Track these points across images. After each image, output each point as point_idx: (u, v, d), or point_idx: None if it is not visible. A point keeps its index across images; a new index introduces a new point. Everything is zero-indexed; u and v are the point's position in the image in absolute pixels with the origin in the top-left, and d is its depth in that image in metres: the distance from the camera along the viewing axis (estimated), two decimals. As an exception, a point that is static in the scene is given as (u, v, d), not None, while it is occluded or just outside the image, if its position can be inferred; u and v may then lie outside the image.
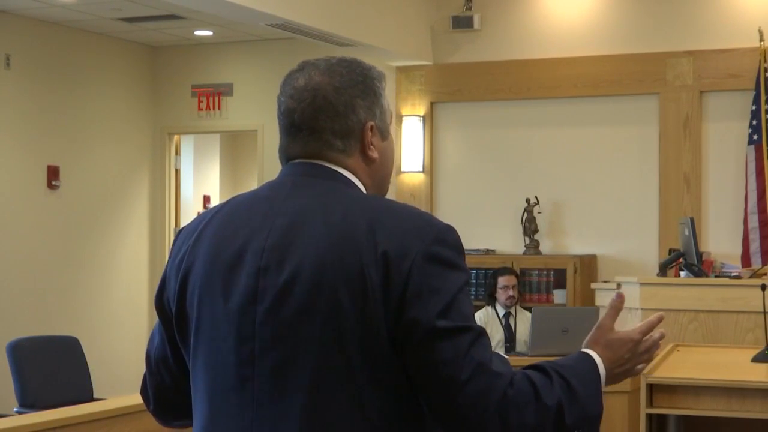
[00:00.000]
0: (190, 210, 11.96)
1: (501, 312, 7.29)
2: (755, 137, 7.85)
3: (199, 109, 9.87)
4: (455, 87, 8.88)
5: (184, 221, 10.94)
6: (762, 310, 5.08)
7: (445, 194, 8.95)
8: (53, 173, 8.88)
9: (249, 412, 1.79)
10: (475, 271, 8.17)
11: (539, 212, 8.53)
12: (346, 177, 1.89)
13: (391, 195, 8.64)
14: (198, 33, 9.39)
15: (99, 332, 9.19)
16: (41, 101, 8.83)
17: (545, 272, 8.34)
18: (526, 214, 8.54)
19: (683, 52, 8.24)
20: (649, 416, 4.56)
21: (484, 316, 7.18)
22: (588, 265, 8.36)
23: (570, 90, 8.55)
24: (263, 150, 9.58)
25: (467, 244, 7.71)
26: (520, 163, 8.73)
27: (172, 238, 9.95)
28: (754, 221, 7.81)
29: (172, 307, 1.90)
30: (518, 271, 7.89)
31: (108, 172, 9.49)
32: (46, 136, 8.86)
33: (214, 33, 9.37)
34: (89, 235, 9.27)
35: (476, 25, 8.78)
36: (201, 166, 12.20)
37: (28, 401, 6.13)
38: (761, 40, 7.91)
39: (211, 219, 1.91)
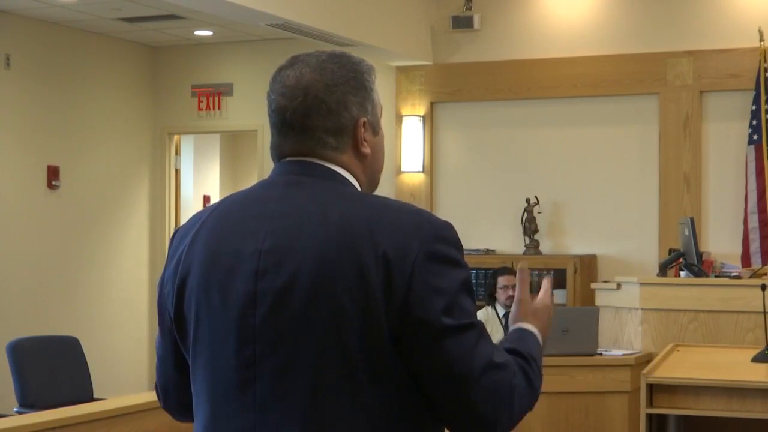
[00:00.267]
0: (190, 210, 11.96)
1: (501, 312, 7.28)
2: (755, 137, 7.85)
3: (199, 109, 9.87)
4: (455, 87, 8.88)
5: (184, 221, 10.94)
6: (762, 310, 5.08)
7: (445, 194, 8.95)
8: (53, 173, 8.88)
9: (251, 415, 1.79)
10: (475, 271, 8.17)
11: (539, 212, 8.52)
12: (340, 174, 1.88)
13: (391, 195, 8.66)
14: (198, 33, 9.40)
15: (99, 332, 9.19)
16: (41, 101, 8.83)
17: (545, 272, 8.34)
18: (526, 214, 8.54)
19: (683, 52, 8.24)
20: (649, 416, 4.56)
21: (484, 316, 7.18)
22: (588, 265, 8.36)
23: (570, 90, 8.55)
24: (263, 150, 9.58)
25: (467, 244, 7.72)
26: (520, 163, 8.73)
27: (172, 238, 9.95)
28: (754, 221, 7.81)
29: (171, 309, 1.90)
30: (518, 271, 7.87)
31: (108, 172, 9.49)
32: (46, 136, 8.86)
33: (214, 33, 9.37)
34: (89, 235, 9.27)
35: (476, 25, 8.78)
36: (201, 166, 12.20)
37: (28, 401, 6.13)
38: (761, 40, 7.90)
39: (206, 220, 1.90)
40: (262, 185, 1.92)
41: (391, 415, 1.77)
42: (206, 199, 12.42)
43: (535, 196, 8.52)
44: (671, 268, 6.87)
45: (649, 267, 7.94)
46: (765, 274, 6.43)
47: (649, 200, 8.36)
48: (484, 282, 7.77)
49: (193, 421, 2.03)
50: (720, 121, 8.20)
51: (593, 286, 6.89)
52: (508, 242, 8.69)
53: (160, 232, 9.95)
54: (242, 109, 9.73)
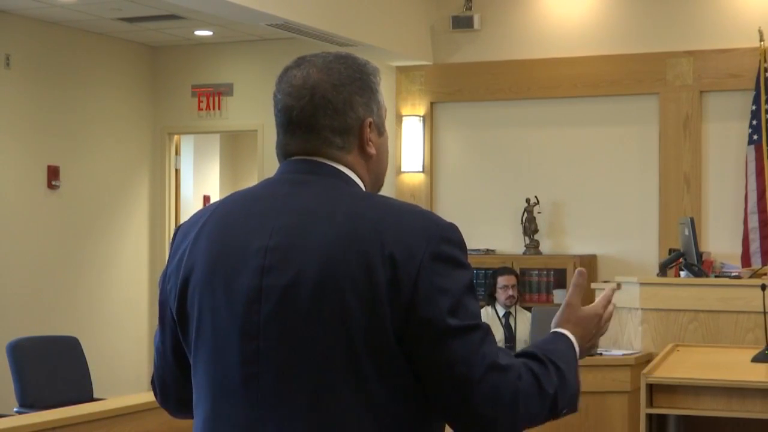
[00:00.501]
0: (190, 210, 11.96)
1: (501, 312, 7.29)
2: (755, 137, 7.85)
3: (199, 109, 9.87)
4: (455, 87, 8.88)
5: (185, 220, 10.95)
6: (762, 310, 5.08)
7: (445, 194, 8.95)
8: (53, 173, 8.88)
9: (253, 411, 1.79)
10: (475, 271, 8.14)
11: (539, 212, 8.53)
12: (346, 174, 1.89)
13: (391, 195, 8.64)
14: (198, 33, 9.40)
15: (99, 332, 9.19)
16: (41, 101, 8.83)
17: (545, 272, 8.34)
18: (526, 214, 8.54)
19: (683, 52, 8.24)
20: (649, 416, 4.56)
21: (484, 316, 7.18)
22: (588, 265, 8.36)
23: (570, 90, 8.55)
24: (263, 150, 9.58)
25: (467, 244, 7.70)
26: (520, 163, 8.73)
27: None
28: (754, 221, 7.81)
29: (173, 305, 1.90)
30: (518, 271, 7.89)
31: (108, 172, 9.49)
32: (46, 136, 8.86)
33: (214, 33, 9.37)
34: (89, 235, 9.27)
35: (476, 25, 8.78)
36: (201, 166, 12.20)
37: (28, 401, 6.13)
38: (761, 40, 7.91)
39: (210, 217, 1.90)
40: (267, 183, 1.93)
41: (395, 413, 1.78)
42: (206, 199, 12.42)
43: (535, 196, 8.52)
44: (671, 268, 6.87)
45: (649, 267, 7.94)
46: (765, 274, 6.43)
47: (649, 200, 8.36)
48: (484, 282, 7.78)
49: (189, 417, 2.03)
50: (720, 121, 8.20)
51: (593, 286, 6.89)
52: (508, 242, 8.70)
53: (160, 232, 9.95)
54: (242, 109, 9.73)
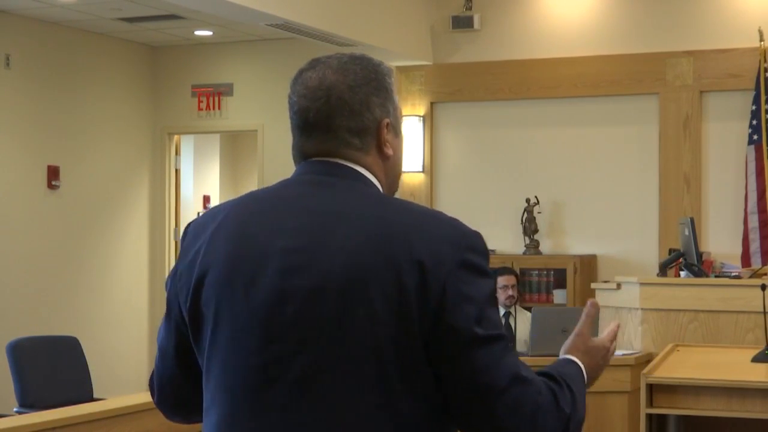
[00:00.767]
0: (190, 210, 11.96)
1: (501, 312, 7.29)
2: (755, 137, 7.85)
3: (199, 109, 9.87)
4: (455, 87, 8.88)
5: (184, 221, 10.94)
6: (762, 310, 5.08)
7: (445, 194, 8.94)
8: (53, 173, 8.88)
9: (273, 414, 1.77)
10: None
11: (539, 212, 8.53)
12: (365, 176, 1.87)
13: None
14: (198, 33, 9.40)
15: (99, 332, 9.19)
16: (41, 101, 8.83)
17: (545, 272, 8.34)
18: (526, 214, 8.54)
19: (683, 52, 8.24)
20: (649, 416, 4.56)
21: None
22: (588, 265, 8.36)
23: (570, 90, 8.55)
24: (263, 150, 9.58)
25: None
26: (520, 163, 8.73)
27: (172, 237, 9.95)
28: (754, 221, 7.81)
29: (185, 304, 1.87)
30: (518, 271, 7.89)
31: (108, 172, 9.49)
32: (46, 136, 8.86)
33: (214, 33, 9.37)
34: (89, 235, 9.27)
35: (476, 25, 8.78)
36: (201, 166, 12.20)
37: (28, 401, 6.13)
38: (761, 40, 7.90)
39: (227, 216, 1.87)
40: (286, 184, 1.90)
41: (419, 420, 1.76)
42: (206, 199, 12.42)
43: (535, 196, 8.52)
44: (671, 268, 6.87)
45: (649, 267, 7.94)
46: (765, 274, 6.43)
47: (649, 200, 8.36)
48: (484, 282, 7.76)
49: (185, 420, 2.02)
50: (720, 121, 8.20)
51: (593, 286, 6.89)
52: (508, 242, 8.69)
53: (160, 232, 9.95)
54: (242, 109, 9.73)
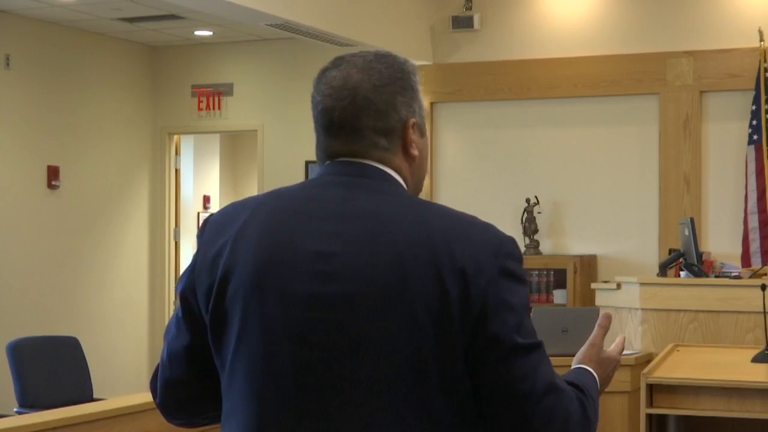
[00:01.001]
0: (190, 210, 11.97)
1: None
2: (755, 137, 7.85)
3: (199, 109, 9.87)
4: (455, 87, 8.88)
5: (184, 221, 10.94)
6: (762, 310, 5.08)
7: (445, 194, 8.94)
8: (53, 173, 8.88)
9: (305, 423, 1.73)
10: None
11: (539, 212, 8.53)
12: (393, 178, 1.83)
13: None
14: (198, 33, 9.40)
15: (99, 332, 9.19)
16: (41, 101, 8.83)
17: (545, 272, 8.33)
18: (526, 214, 8.54)
19: (683, 52, 8.24)
20: (649, 416, 4.56)
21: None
22: (588, 265, 8.36)
23: (570, 90, 8.55)
24: (263, 150, 9.58)
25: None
26: (520, 163, 8.73)
27: (172, 237, 9.95)
28: (754, 221, 7.80)
29: (204, 302, 1.81)
30: (518, 271, 7.87)
31: (108, 172, 9.49)
32: (46, 136, 8.86)
33: (214, 33, 9.37)
34: (89, 235, 9.28)
35: (476, 25, 8.78)
36: (201, 166, 12.20)
37: (28, 401, 6.13)
38: (761, 40, 7.90)
39: (254, 215, 1.81)
40: (315, 184, 1.85)
41: (455, 429, 1.74)
42: (206, 199, 12.42)
43: (535, 196, 8.52)
44: (671, 268, 6.87)
45: (649, 267, 7.94)
46: (765, 274, 6.43)
47: (649, 200, 8.36)
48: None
49: (186, 424, 1.97)
50: (720, 121, 8.20)
51: (593, 286, 6.89)
52: (508, 242, 8.68)
53: (160, 232, 9.95)
54: (242, 109, 9.73)
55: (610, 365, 1.99)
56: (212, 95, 9.81)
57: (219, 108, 9.81)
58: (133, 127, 9.79)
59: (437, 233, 1.74)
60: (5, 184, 8.48)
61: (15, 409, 6.13)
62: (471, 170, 8.90)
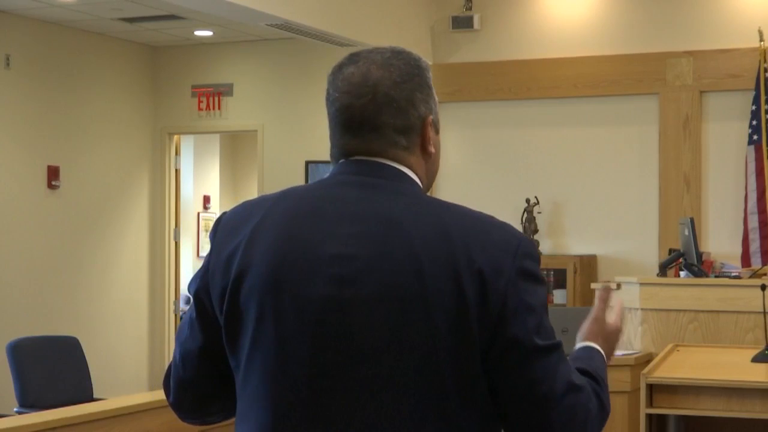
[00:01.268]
0: (190, 210, 11.97)
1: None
2: (755, 137, 7.85)
3: (199, 109, 9.87)
4: (455, 87, 8.88)
5: (184, 221, 10.95)
6: (762, 310, 5.08)
7: (445, 194, 8.94)
8: (53, 173, 8.88)
9: (321, 427, 1.71)
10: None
11: (539, 212, 8.53)
12: (410, 177, 1.81)
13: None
14: (198, 33, 9.40)
15: (99, 332, 9.19)
16: (41, 101, 8.83)
17: (545, 272, 8.33)
18: (526, 214, 8.54)
19: (683, 52, 8.24)
20: (649, 416, 4.56)
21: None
22: (588, 265, 8.36)
23: (570, 90, 8.55)
24: (263, 150, 9.58)
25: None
26: (520, 163, 8.73)
27: (172, 237, 9.95)
28: (754, 221, 7.81)
29: (218, 302, 1.79)
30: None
31: (108, 172, 9.49)
32: (46, 136, 8.86)
33: (214, 33, 9.37)
34: (89, 235, 9.28)
35: (476, 25, 8.78)
36: (201, 166, 12.21)
37: (28, 401, 6.13)
38: (761, 40, 7.91)
39: (269, 214, 1.78)
40: (330, 184, 1.82)
41: (473, 431, 1.73)
42: (206, 199, 12.43)
43: (535, 196, 8.52)
44: (671, 268, 6.88)
45: (649, 267, 7.94)
46: (765, 274, 6.43)
47: (649, 200, 8.36)
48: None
49: (201, 422, 1.95)
50: (720, 121, 8.20)
51: (593, 286, 6.90)
52: (508, 242, 8.68)
53: (159, 232, 9.95)
54: (242, 109, 9.73)
55: (615, 339, 1.97)
56: (212, 95, 9.81)
57: (219, 108, 9.81)
58: (133, 127, 9.79)
59: (454, 234, 1.72)
60: (5, 184, 8.48)
61: (15, 409, 6.13)
62: (471, 170, 8.90)
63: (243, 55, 9.73)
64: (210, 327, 1.82)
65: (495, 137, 8.83)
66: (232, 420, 1.88)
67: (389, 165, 1.81)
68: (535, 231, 8.52)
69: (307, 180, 9.27)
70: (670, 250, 7.19)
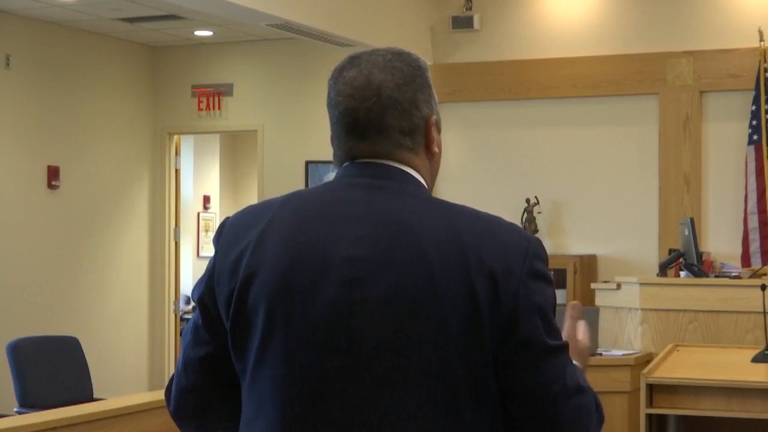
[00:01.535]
0: (190, 210, 11.98)
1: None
2: (755, 137, 7.85)
3: (199, 109, 9.87)
4: (455, 87, 8.88)
5: (184, 221, 10.95)
6: (762, 310, 5.08)
7: (445, 194, 8.93)
8: (53, 173, 8.88)
9: (332, 428, 1.70)
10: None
11: (539, 212, 8.53)
12: (416, 178, 1.81)
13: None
14: (198, 33, 9.40)
15: (99, 332, 9.19)
16: (41, 101, 8.83)
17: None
18: (526, 214, 8.54)
19: (683, 52, 8.24)
20: (649, 416, 4.57)
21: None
22: (588, 265, 8.36)
23: (570, 90, 8.55)
24: (263, 150, 9.58)
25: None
26: (520, 163, 8.73)
27: (172, 238, 9.95)
28: (754, 221, 7.81)
29: (225, 307, 1.77)
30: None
31: (108, 172, 9.49)
32: (46, 136, 8.86)
33: (214, 33, 9.37)
34: (89, 235, 9.28)
35: (476, 25, 8.78)
36: (201, 166, 12.21)
37: (28, 401, 6.13)
38: (761, 40, 7.91)
39: (276, 218, 1.77)
40: (338, 186, 1.81)
41: None
42: (206, 199, 12.43)
43: (535, 196, 8.52)
44: (671, 268, 6.88)
45: (649, 267, 7.94)
46: (765, 274, 6.43)
47: (649, 200, 8.36)
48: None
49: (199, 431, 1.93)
50: (720, 121, 8.20)
51: (593, 286, 6.90)
52: (508, 242, 8.67)
53: (160, 232, 9.95)
54: (242, 109, 9.73)
55: (586, 354, 1.97)
56: (212, 95, 9.81)
57: (219, 108, 9.81)
58: (133, 127, 9.79)
59: (465, 236, 1.72)
60: (5, 184, 8.48)
61: (15, 409, 6.13)
62: (471, 170, 8.90)
63: (243, 55, 9.73)
64: (215, 332, 1.80)
65: (495, 137, 8.83)
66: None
67: (395, 167, 1.81)
68: (535, 231, 8.52)
69: (307, 180, 9.27)
70: (670, 250, 7.19)
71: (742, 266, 7.50)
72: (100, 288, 9.39)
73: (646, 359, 5.63)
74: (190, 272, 11.74)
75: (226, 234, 1.82)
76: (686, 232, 6.53)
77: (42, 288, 8.78)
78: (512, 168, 8.76)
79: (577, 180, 8.57)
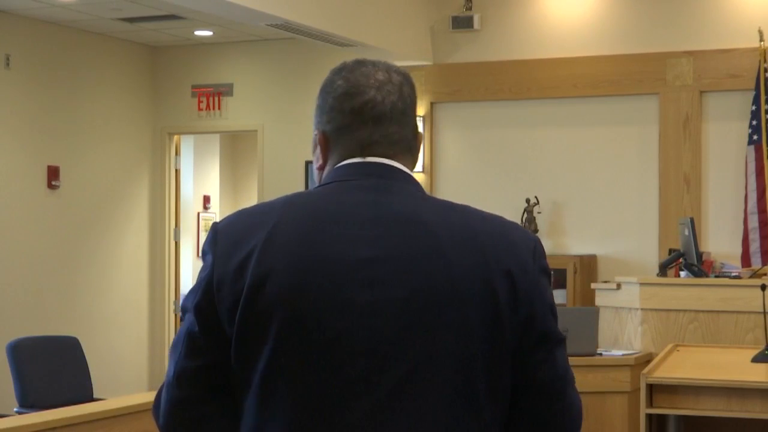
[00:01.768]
0: (190, 210, 11.97)
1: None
2: (755, 137, 7.85)
3: (199, 109, 9.87)
4: (455, 87, 8.88)
5: (184, 221, 10.94)
6: (762, 310, 5.08)
7: (445, 194, 8.94)
8: (53, 173, 8.88)
9: (354, 431, 1.69)
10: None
11: (539, 212, 8.52)
12: (417, 181, 1.85)
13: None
14: (198, 33, 9.40)
15: (99, 332, 9.20)
16: (41, 101, 8.83)
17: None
18: (526, 214, 8.54)
19: (683, 52, 8.24)
20: (649, 416, 4.57)
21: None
22: (588, 265, 8.36)
23: (570, 90, 8.55)
24: (263, 150, 9.58)
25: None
26: (520, 163, 8.73)
27: (172, 238, 9.96)
28: (754, 221, 7.81)
29: (227, 317, 1.72)
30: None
31: (108, 172, 9.49)
32: (46, 136, 8.87)
33: (214, 33, 9.37)
34: (89, 235, 9.28)
35: (476, 25, 8.78)
36: (201, 166, 12.20)
37: (28, 401, 6.13)
38: (761, 40, 7.91)
39: (282, 221, 1.74)
40: (342, 187, 1.79)
41: (497, 430, 1.76)
42: (206, 199, 12.43)
43: (535, 196, 8.52)
44: (671, 268, 6.88)
45: (649, 267, 7.94)
46: (765, 274, 6.43)
47: (649, 200, 8.36)
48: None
49: None
50: (720, 121, 8.20)
51: (593, 286, 6.90)
52: (508, 242, 8.67)
53: (160, 232, 9.95)
54: (242, 109, 9.73)
55: None
56: (212, 95, 9.81)
57: (219, 108, 9.81)
58: (133, 127, 9.79)
59: (481, 236, 1.75)
60: (5, 184, 8.48)
61: (15, 409, 6.13)
62: (471, 170, 8.90)
63: (243, 55, 9.73)
64: (212, 341, 1.75)
65: (495, 137, 8.83)
66: None
67: (399, 168, 1.83)
68: (535, 231, 8.52)
69: (306, 180, 9.27)
70: (670, 250, 7.19)
71: (742, 266, 7.50)
72: (100, 288, 9.39)
73: (646, 359, 5.63)
74: (190, 272, 11.73)
75: (222, 239, 1.77)
76: (686, 232, 6.53)
77: (42, 288, 8.78)
78: (512, 168, 8.75)
79: (577, 180, 8.57)
